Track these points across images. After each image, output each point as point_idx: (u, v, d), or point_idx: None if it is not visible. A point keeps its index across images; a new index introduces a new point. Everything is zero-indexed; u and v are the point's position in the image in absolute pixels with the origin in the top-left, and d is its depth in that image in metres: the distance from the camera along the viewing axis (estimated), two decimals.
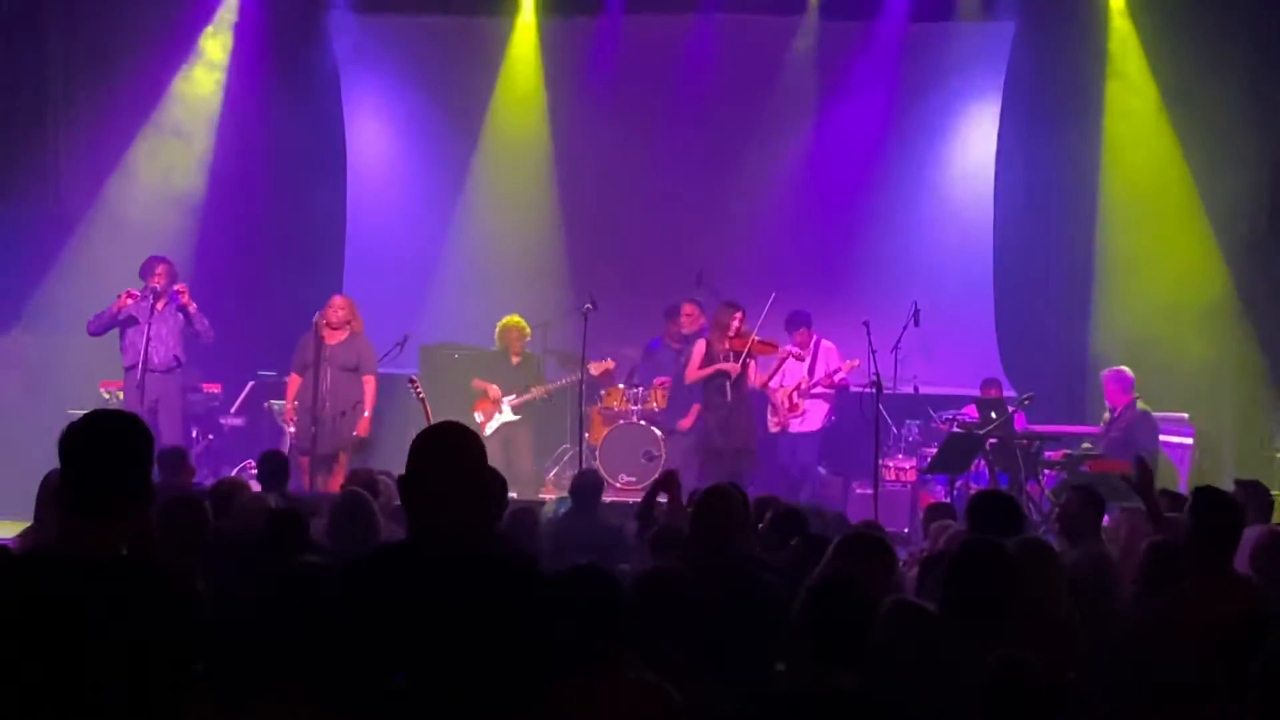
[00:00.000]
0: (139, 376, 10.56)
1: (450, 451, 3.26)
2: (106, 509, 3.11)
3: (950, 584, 4.28)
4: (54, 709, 2.96)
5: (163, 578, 3.13)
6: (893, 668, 3.81)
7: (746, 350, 10.96)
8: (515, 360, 12.00)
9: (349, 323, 10.64)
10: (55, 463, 5.76)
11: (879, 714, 3.52)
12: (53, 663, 2.97)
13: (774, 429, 11.97)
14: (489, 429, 11.60)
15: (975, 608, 4.17)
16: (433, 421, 9.70)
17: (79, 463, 3.15)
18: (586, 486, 7.79)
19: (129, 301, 10.66)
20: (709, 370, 11.07)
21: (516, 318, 12.03)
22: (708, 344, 11.15)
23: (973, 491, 8.57)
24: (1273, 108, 11.94)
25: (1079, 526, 6.05)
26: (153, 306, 10.69)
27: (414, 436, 3.29)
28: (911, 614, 4.11)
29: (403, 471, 3.30)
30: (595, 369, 11.71)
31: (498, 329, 12.03)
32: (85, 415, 3.24)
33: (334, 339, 10.49)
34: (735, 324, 10.97)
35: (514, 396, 11.78)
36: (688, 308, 11.80)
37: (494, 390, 11.77)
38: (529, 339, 12.08)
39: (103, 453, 3.14)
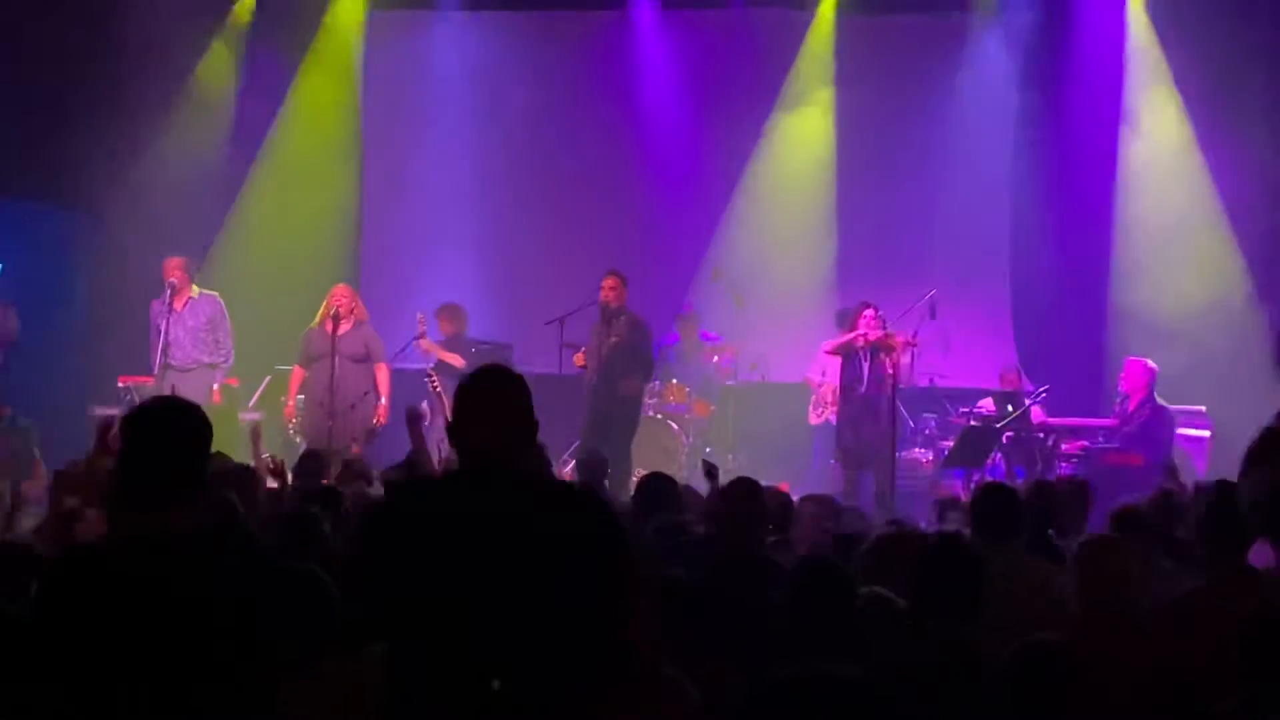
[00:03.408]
0: (158, 372, 10.63)
1: (496, 387, 3.35)
2: (165, 495, 3.18)
3: (920, 582, 4.29)
4: (148, 688, 3.03)
5: (240, 548, 3.27)
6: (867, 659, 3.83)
7: (865, 346, 10.67)
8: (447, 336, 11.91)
9: (353, 311, 10.61)
10: (74, 456, 5.89)
11: (881, 702, 3.55)
12: (142, 644, 3.04)
13: (816, 421, 11.96)
14: None
15: (945, 606, 4.18)
16: (448, 414, 9.81)
17: (139, 449, 3.22)
18: (594, 466, 7.83)
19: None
20: (840, 341, 10.94)
21: (451, 304, 11.97)
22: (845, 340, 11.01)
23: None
24: None
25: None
26: (170, 305, 10.72)
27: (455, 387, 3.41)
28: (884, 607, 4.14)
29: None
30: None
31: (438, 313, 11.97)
32: (144, 403, 3.33)
33: (340, 330, 10.46)
34: (864, 321, 10.70)
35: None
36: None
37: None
38: (465, 323, 11.98)
39: (163, 438, 3.22)
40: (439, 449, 7.68)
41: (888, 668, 3.81)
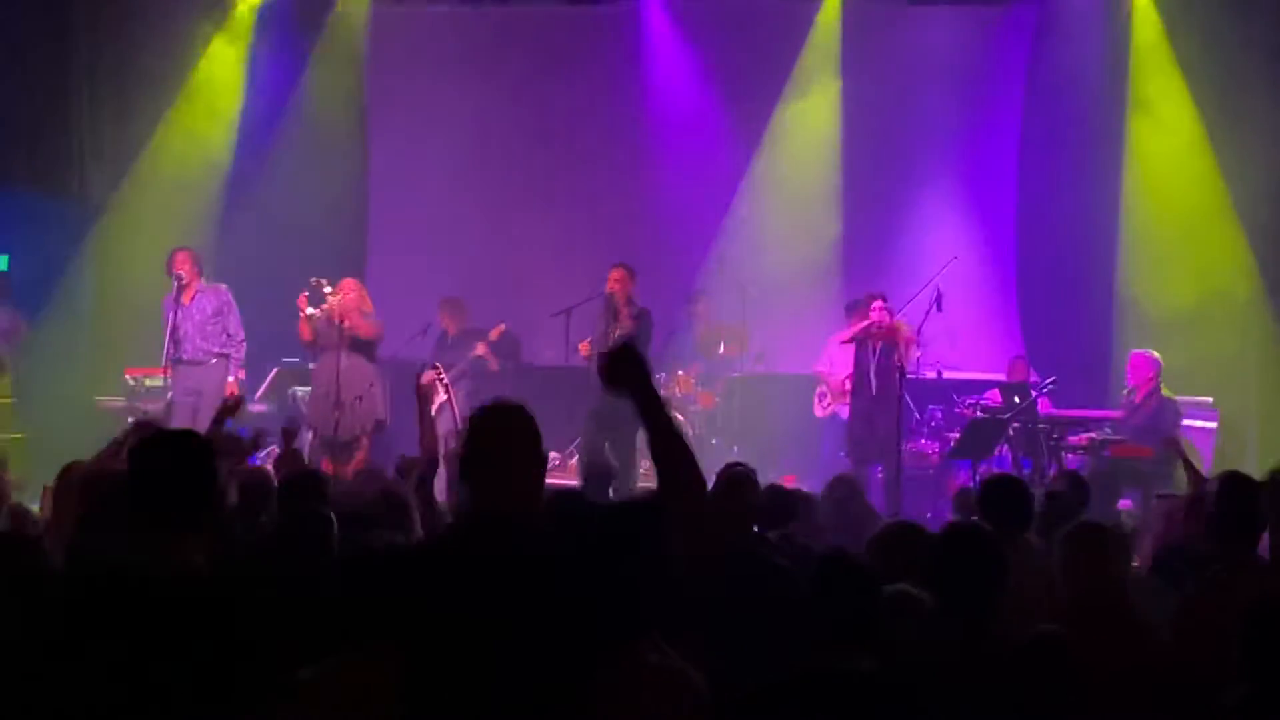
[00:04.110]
0: (169, 366, 10.60)
1: (504, 430, 3.34)
2: (179, 522, 3.27)
3: (938, 570, 4.26)
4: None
5: (231, 588, 3.31)
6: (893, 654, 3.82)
7: (868, 336, 10.70)
8: (451, 336, 12.06)
9: (358, 305, 10.63)
10: (81, 450, 5.92)
11: (896, 697, 3.54)
12: (130, 674, 3.08)
13: (821, 414, 11.96)
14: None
15: (965, 593, 4.16)
16: (456, 407, 9.82)
17: (151, 475, 3.31)
18: (599, 475, 7.81)
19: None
20: (853, 332, 11.09)
21: (451, 296, 12.13)
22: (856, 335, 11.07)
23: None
24: None
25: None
26: (178, 298, 10.69)
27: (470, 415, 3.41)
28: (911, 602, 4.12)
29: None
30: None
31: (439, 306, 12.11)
32: (153, 437, 3.44)
33: (346, 322, 10.47)
34: (874, 312, 10.75)
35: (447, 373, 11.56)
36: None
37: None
38: (464, 315, 12.12)
39: (173, 472, 3.31)
40: (445, 441, 7.68)
41: (909, 661, 3.80)
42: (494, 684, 3.15)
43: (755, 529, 5.42)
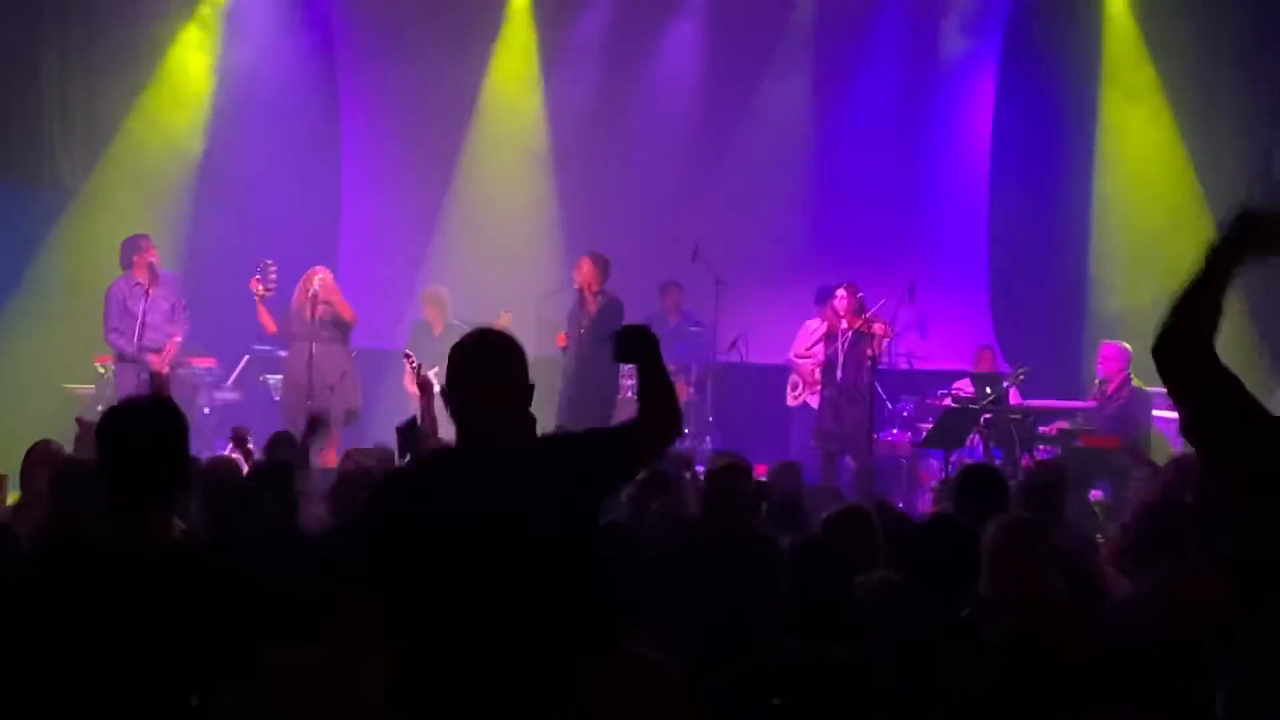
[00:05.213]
0: (134, 354, 10.49)
1: (488, 357, 3.30)
2: (153, 499, 3.16)
3: (917, 559, 4.28)
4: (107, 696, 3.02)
5: (207, 562, 3.24)
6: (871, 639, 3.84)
7: (847, 330, 10.68)
8: (437, 332, 11.89)
9: (331, 293, 10.57)
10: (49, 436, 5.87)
11: (871, 683, 3.55)
12: (109, 652, 3.03)
13: (793, 403, 11.97)
14: None
15: (939, 581, 4.18)
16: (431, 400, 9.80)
17: (123, 454, 3.16)
18: None
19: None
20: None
21: (434, 287, 11.98)
22: (826, 325, 11.07)
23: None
24: (1268, 89, 11.95)
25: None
26: (146, 289, 10.59)
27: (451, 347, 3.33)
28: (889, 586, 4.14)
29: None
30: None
31: (420, 298, 11.96)
32: (120, 405, 3.28)
33: (318, 312, 10.40)
34: (840, 303, 10.74)
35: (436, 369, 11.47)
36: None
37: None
38: (448, 308, 11.91)
39: (146, 443, 3.16)
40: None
41: (885, 648, 3.82)
42: (486, 609, 3.11)
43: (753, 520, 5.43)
